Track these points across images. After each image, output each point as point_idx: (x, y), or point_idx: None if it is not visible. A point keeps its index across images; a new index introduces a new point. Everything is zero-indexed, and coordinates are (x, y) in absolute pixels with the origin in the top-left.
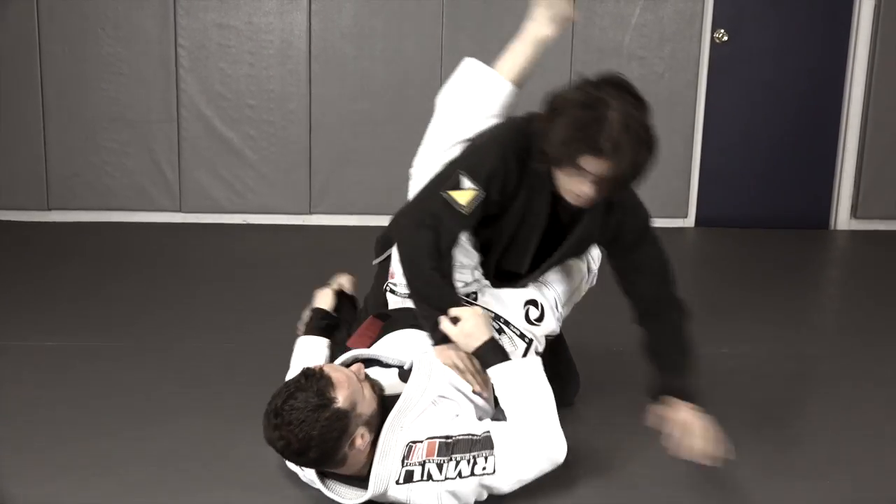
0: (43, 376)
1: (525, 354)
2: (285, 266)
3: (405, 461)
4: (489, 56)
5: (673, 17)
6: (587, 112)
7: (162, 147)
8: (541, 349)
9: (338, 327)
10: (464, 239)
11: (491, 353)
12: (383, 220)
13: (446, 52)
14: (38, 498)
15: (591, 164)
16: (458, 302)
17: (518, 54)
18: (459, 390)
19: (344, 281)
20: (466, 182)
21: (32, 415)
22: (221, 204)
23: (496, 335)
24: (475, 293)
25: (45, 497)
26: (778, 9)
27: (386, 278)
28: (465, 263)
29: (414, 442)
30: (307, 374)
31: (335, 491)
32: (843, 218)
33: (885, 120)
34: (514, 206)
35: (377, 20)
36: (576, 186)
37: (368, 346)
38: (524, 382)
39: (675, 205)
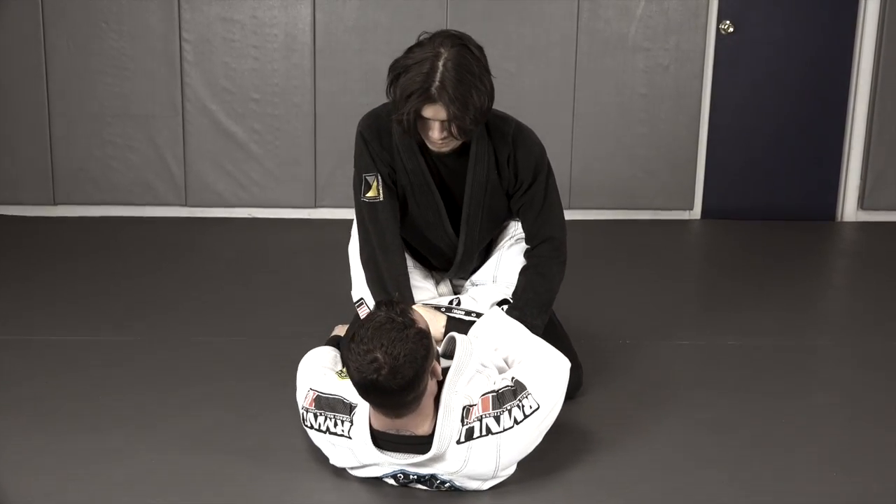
0: (49, 370)
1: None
2: (291, 260)
3: (464, 421)
4: (494, 48)
5: (678, 8)
6: (417, 68)
7: (167, 141)
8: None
9: None
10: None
11: (457, 326)
12: None
13: None
14: (41, 491)
15: (430, 111)
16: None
17: None
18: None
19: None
20: (366, 177)
21: (38, 409)
22: (226, 198)
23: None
24: (457, 299)
25: (49, 490)
26: None
27: None
28: (422, 286)
29: (470, 405)
30: (384, 303)
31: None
32: (849, 209)
33: (891, 111)
34: (400, 175)
35: (382, 13)
36: (428, 134)
37: None
38: (504, 329)
39: (680, 197)
